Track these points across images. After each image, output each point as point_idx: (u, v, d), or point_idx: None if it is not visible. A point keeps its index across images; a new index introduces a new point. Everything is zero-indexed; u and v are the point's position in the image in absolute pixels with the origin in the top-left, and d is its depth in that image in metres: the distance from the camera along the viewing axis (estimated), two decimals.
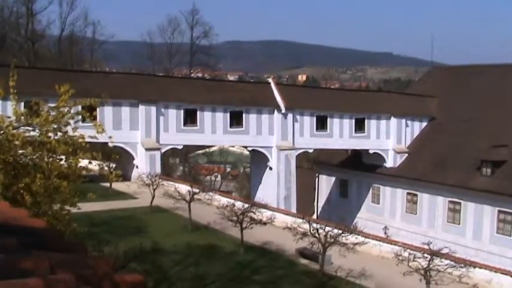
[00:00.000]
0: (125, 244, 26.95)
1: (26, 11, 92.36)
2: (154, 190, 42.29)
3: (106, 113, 50.06)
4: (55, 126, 10.28)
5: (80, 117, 12.10)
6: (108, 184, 45.29)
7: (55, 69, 62.53)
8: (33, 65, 77.90)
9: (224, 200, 41.57)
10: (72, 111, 11.22)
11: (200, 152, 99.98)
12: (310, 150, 63.48)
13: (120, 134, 48.23)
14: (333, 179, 71.08)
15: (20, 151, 9.72)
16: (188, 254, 32.36)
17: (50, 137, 10.13)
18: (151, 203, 42.20)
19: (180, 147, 59.93)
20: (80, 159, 10.80)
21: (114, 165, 45.70)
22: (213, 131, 56.94)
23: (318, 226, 30.43)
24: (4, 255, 2.43)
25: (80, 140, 10.73)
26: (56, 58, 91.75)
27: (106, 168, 16.26)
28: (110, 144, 40.86)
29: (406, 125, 64.74)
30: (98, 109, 42.11)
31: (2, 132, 9.22)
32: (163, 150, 55.72)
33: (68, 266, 2.57)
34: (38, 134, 10.36)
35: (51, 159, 10.21)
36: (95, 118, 12.75)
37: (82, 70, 72.86)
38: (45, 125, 10.09)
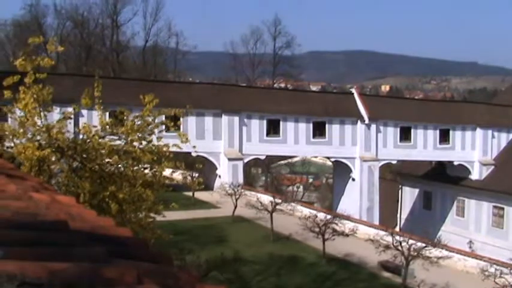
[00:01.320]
0: (207, 253, 27.17)
1: (111, 22, 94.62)
2: (236, 200, 42.51)
3: (189, 123, 50.56)
4: (140, 135, 10.42)
5: (163, 127, 12.25)
6: (191, 193, 45.80)
7: (139, 79, 63.78)
8: (117, 75, 79.55)
9: (306, 211, 41.47)
10: (156, 120, 11.36)
11: (282, 162, 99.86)
12: (394, 162, 62.71)
13: (203, 143, 48.72)
14: (417, 190, 69.90)
15: (106, 160, 9.89)
16: (269, 264, 32.37)
17: (134, 146, 10.28)
18: (233, 212, 42.44)
19: (263, 157, 60.03)
20: (164, 168, 10.92)
21: (197, 175, 46.38)
22: (295, 141, 56.90)
23: (401, 239, 30.01)
24: (91, 264, 2.43)
25: (165, 149, 10.84)
26: (140, 69, 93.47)
27: (189, 177, 16.44)
28: (193, 154, 41.30)
29: (493, 136, 63.10)
30: (181, 119, 42.57)
31: (88, 141, 9.41)
32: (246, 160, 55.95)
33: (154, 276, 2.55)
34: (123, 143, 10.52)
35: (136, 167, 10.36)
36: (178, 128, 12.87)
37: (165, 80, 73.93)
38: (130, 134, 10.24)
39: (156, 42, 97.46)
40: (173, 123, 12.70)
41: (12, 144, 9.48)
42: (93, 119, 11.68)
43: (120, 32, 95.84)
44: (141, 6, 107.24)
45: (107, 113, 12.76)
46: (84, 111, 39.06)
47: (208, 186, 46.68)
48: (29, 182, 5.08)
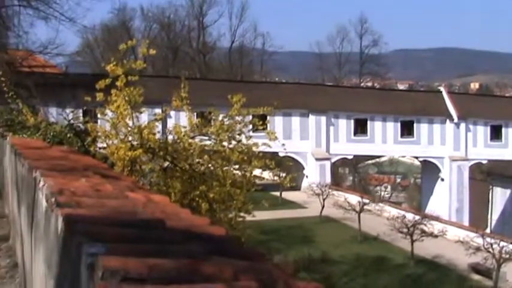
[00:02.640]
0: (294, 253, 27.24)
1: (197, 24, 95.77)
2: (324, 200, 42.40)
3: (276, 122, 50.69)
4: (230, 134, 10.53)
5: (250, 126, 12.33)
6: (278, 193, 45.92)
7: (226, 80, 64.34)
8: (204, 76, 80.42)
9: (394, 211, 40.95)
10: (244, 120, 11.44)
11: (370, 162, 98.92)
12: (484, 161, 61.22)
13: (290, 143, 48.77)
14: (508, 191, 67.96)
15: (196, 160, 10.03)
16: (357, 265, 32.16)
17: (223, 146, 10.40)
18: (320, 212, 42.33)
19: (350, 157, 59.72)
20: (255, 168, 11.01)
21: (283, 174, 46.39)
22: (383, 140, 56.40)
23: (492, 241, 29.32)
24: (190, 260, 2.50)
25: (254, 149, 10.91)
26: (226, 70, 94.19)
27: (277, 176, 16.50)
28: (280, 154, 41.39)
29: None
30: (268, 118, 42.81)
31: (179, 141, 9.58)
32: (333, 160, 55.78)
33: (249, 272, 2.60)
34: (212, 143, 10.65)
35: (226, 167, 10.47)
36: (265, 128, 12.91)
37: (252, 81, 74.33)
38: (219, 134, 10.36)
39: (242, 43, 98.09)
40: (261, 122, 12.77)
41: (105, 145, 9.77)
42: (181, 119, 11.84)
43: (206, 33, 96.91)
44: (227, 8, 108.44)
45: (195, 114, 12.93)
46: (172, 112, 39.65)
47: (295, 186, 46.71)
48: (123, 181, 5.24)
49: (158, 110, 11.46)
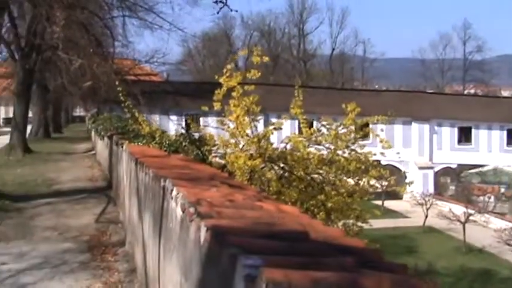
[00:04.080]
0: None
1: (297, 31, 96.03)
2: (427, 210, 41.65)
3: (378, 131, 50.06)
4: (348, 144, 10.46)
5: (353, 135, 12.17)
6: (380, 202, 45.39)
7: (327, 87, 64.14)
8: (305, 84, 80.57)
9: (501, 223, 39.76)
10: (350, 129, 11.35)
11: (473, 171, 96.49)
12: None
13: (392, 151, 48.13)
14: None
15: (313, 169, 10.00)
16: (461, 277, 31.47)
17: (338, 155, 10.34)
18: (424, 222, 41.61)
19: (454, 166, 58.42)
20: (372, 177, 10.89)
21: (386, 184, 45.82)
22: (488, 149, 55.00)
23: None
24: (346, 273, 2.50)
25: (369, 158, 10.81)
26: (327, 77, 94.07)
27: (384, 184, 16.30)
28: (383, 162, 40.85)
29: None
30: (370, 127, 42.42)
31: (296, 150, 9.58)
32: (436, 169, 54.75)
33: (401, 286, 2.58)
34: (327, 152, 10.60)
35: (342, 176, 10.41)
36: (366, 136, 12.75)
37: (353, 88, 73.88)
38: (335, 143, 10.29)
39: (343, 50, 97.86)
40: (363, 131, 12.62)
41: (221, 153, 9.90)
42: (287, 128, 11.73)
43: (307, 40, 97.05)
44: (327, 15, 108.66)
45: (295, 121, 12.83)
46: (273, 120, 39.86)
47: (397, 195, 46.08)
48: (248, 191, 5.28)
49: (260, 117, 11.42)
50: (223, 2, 10.96)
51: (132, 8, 33.69)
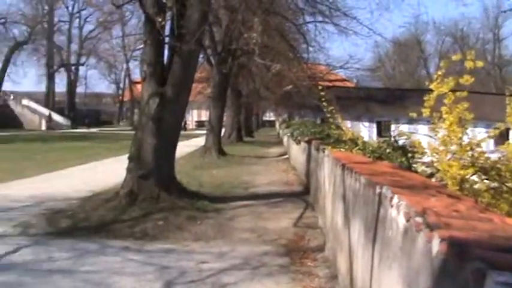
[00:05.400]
0: None
1: (492, 36, 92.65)
2: None
3: None
4: None
5: None
6: None
7: None
8: (500, 91, 77.57)
9: None
10: None
11: None
12: None
13: None
14: None
15: None
16: None
17: None
18: None
19: None
20: None
21: None
22: None
23: None
24: None
25: None
26: None
27: None
28: None
29: None
30: None
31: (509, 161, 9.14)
32: None
33: None
34: None
35: None
36: None
37: None
38: None
39: None
40: None
41: (425, 161, 9.65)
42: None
43: (502, 46, 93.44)
44: None
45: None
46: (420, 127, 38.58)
47: None
48: (466, 201, 5.07)
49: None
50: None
51: (325, 12, 33.91)
